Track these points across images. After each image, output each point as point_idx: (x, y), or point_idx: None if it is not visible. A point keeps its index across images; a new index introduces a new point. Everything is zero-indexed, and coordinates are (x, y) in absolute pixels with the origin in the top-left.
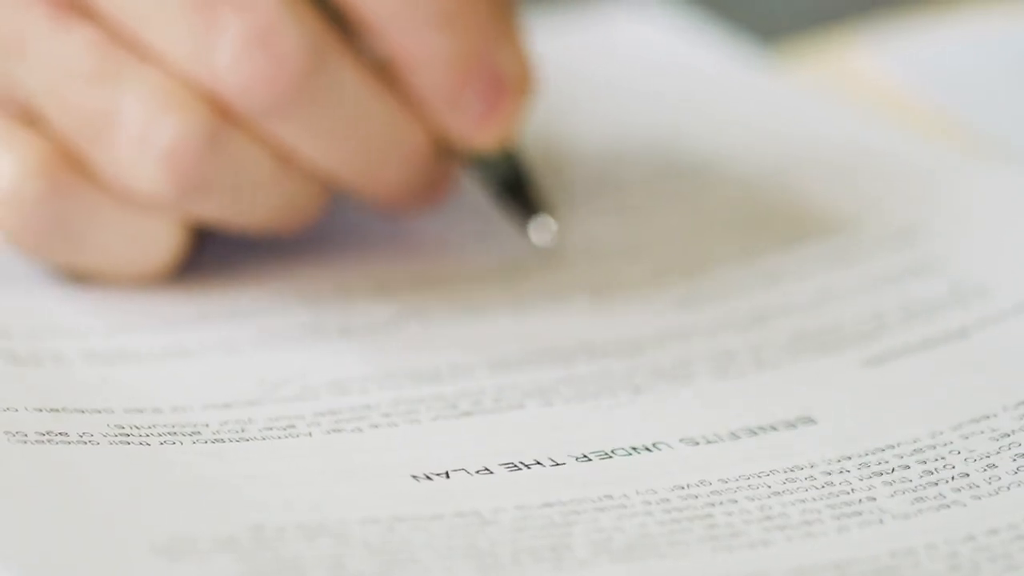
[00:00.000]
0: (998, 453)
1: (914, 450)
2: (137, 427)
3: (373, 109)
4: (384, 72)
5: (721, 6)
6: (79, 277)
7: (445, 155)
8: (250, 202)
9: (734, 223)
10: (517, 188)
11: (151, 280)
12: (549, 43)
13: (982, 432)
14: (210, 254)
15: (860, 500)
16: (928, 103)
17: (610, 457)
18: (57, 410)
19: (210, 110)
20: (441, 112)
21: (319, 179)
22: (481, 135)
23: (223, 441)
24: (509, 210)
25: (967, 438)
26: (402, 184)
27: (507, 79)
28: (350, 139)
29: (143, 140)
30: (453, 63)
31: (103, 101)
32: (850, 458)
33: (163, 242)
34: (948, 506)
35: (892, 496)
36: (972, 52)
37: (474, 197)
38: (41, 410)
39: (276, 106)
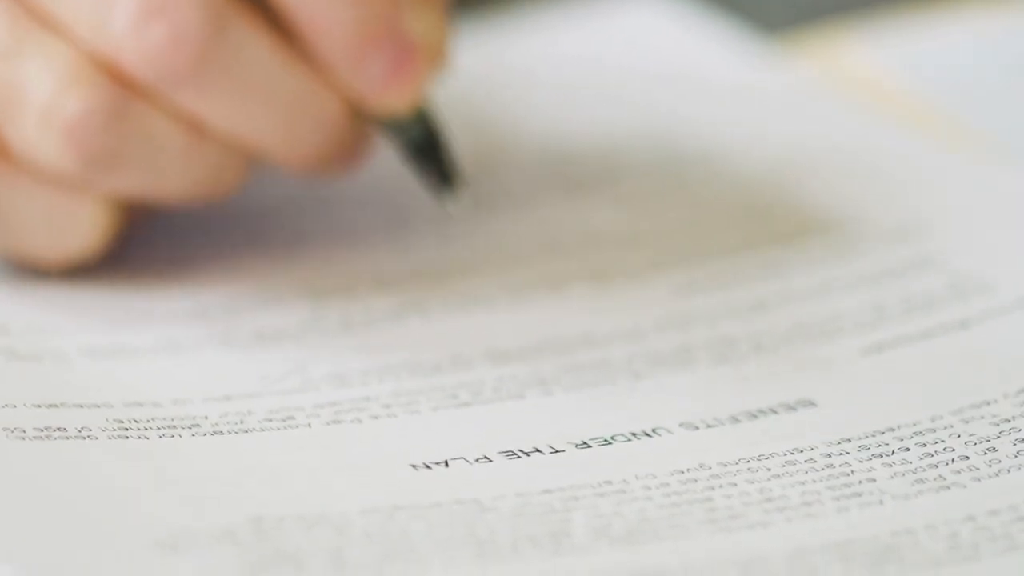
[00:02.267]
0: (998, 438)
1: (914, 433)
2: (136, 421)
3: (282, 76)
4: (294, 37)
5: (724, 0)
6: (14, 262)
7: (359, 119)
8: (164, 174)
9: (735, 215)
10: (430, 152)
11: (82, 263)
12: (551, 34)
13: (982, 417)
14: (208, 247)
15: (860, 482)
16: (927, 100)
17: (609, 443)
18: (56, 405)
19: (114, 82)
20: (346, 76)
21: (233, 148)
22: (388, 98)
23: (222, 433)
24: (421, 175)
25: (967, 422)
26: (317, 149)
27: (415, 43)
28: (260, 107)
29: (47, 114)
30: (355, 28)
31: (11, 75)
32: (850, 440)
33: (86, 222)
34: (948, 487)
35: (892, 478)
36: (971, 50)
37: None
38: (40, 406)
39: (177, 76)
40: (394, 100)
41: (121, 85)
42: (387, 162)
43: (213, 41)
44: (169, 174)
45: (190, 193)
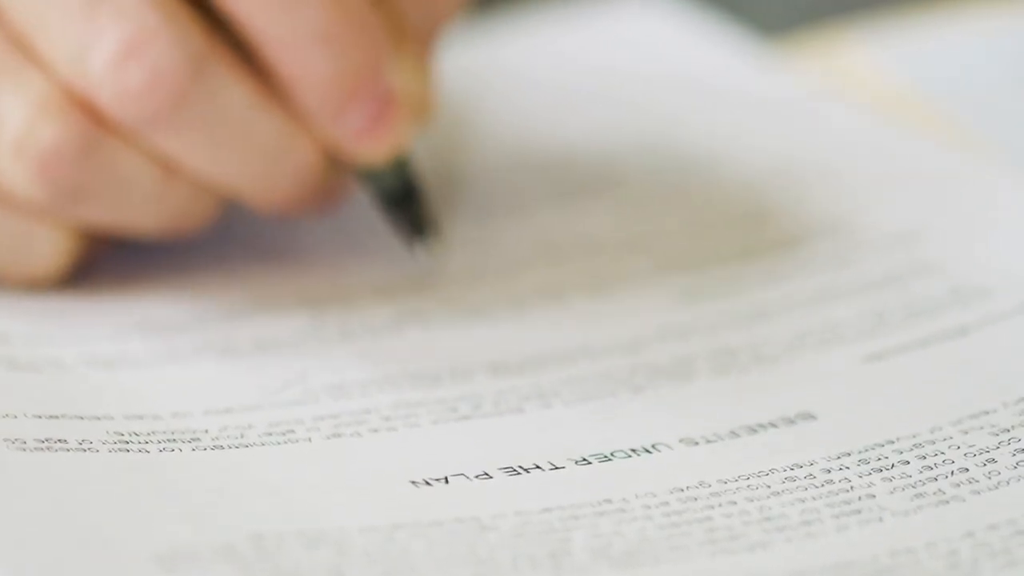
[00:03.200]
0: (997, 448)
1: (913, 445)
2: (136, 434)
3: (259, 122)
4: (274, 83)
5: (722, 1)
6: None
7: (336, 165)
8: (133, 209)
9: (734, 221)
10: (405, 203)
11: (46, 284)
12: (551, 37)
13: (981, 428)
14: (206, 255)
15: (859, 498)
16: (927, 102)
17: (609, 459)
18: (56, 417)
19: (88, 117)
20: (325, 126)
21: (204, 187)
22: (365, 150)
23: (222, 448)
24: (395, 225)
25: (966, 433)
26: (290, 193)
27: (396, 97)
28: (235, 151)
29: (20, 143)
30: (336, 80)
31: None
32: (849, 454)
33: (52, 247)
34: (947, 502)
35: (891, 493)
36: (972, 51)
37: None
38: (40, 417)
39: (152, 118)
40: (372, 152)
41: (95, 120)
42: None
43: (190, 85)
44: (138, 209)
45: (159, 228)
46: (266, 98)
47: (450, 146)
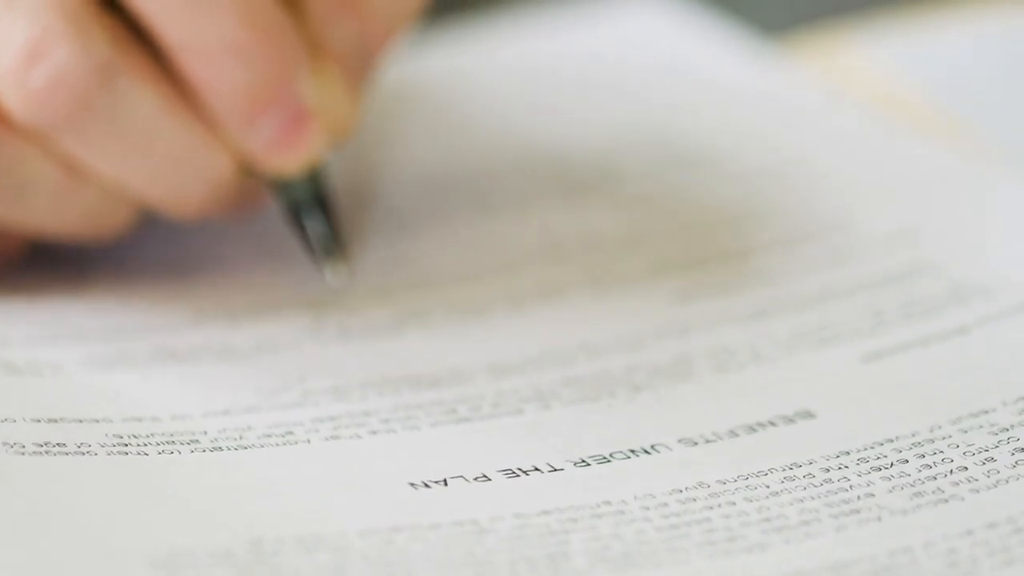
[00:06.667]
0: (996, 447)
1: (912, 444)
2: (135, 436)
3: (169, 129)
4: (188, 91)
5: (723, 1)
6: None
7: (250, 174)
8: (38, 210)
9: (733, 220)
10: (313, 218)
11: None
12: (551, 35)
13: (980, 427)
14: (205, 256)
15: (858, 497)
16: (926, 101)
17: (608, 461)
18: (55, 420)
19: None
20: (236, 135)
21: (114, 193)
22: (277, 161)
23: (221, 449)
24: (302, 238)
25: (966, 432)
26: (202, 201)
27: (308, 109)
28: (143, 158)
29: None
30: (247, 89)
31: None
32: (848, 453)
33: None
34: (946, 500)
35: (890, 492)
36: (971, 50)
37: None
38: (39, 420)
39: (55, 121)
40: (283, 163)
41: (1, 120)
42: (385, 167)
43: (94, 90)
44: (43, 211)
45: (69, 231)
46: (178, 106)
47: (449, 145)
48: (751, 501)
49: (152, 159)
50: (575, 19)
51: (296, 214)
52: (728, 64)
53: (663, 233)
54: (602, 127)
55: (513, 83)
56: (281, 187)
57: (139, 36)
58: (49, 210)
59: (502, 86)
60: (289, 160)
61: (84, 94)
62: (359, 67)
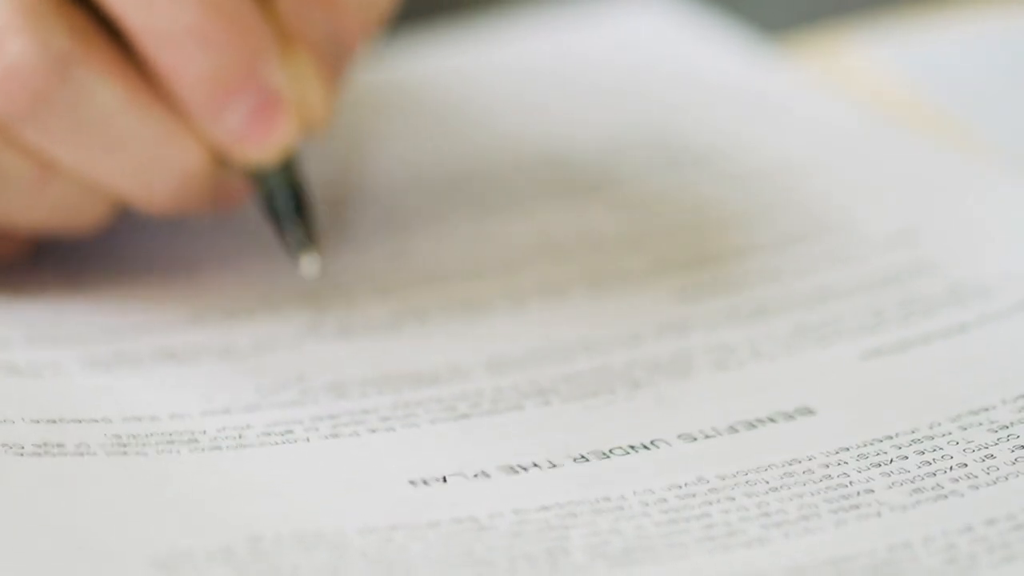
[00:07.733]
0: (996, 444)
1: (912, 440)
2: (134, 436)
3: (135, 120)
4: (156, 82)
5: (723, 1)
6: None
7: (224, 167)
8: (12, 203)
9: (733, 218)
10: (288, 209)
11: None
12: (551, 35)
13: (980, 424)
14: (204, 254)
15: (858, 493)
16: (926, 101)
17: (608, 457)
18: (54, 420)
19: None
20: (205, 124)
21: (87, 187)
22: (247, 149)
23: (220, 448)
24: (276, 230)
25: (965, 429)
26: (175, 195)
27: (279, 95)
28: (109, 151)
29: None
30: (213, 75)
31: None
32: (848, 449)
33: None
34: (946, 496)
35: (890, 488)
36: (971, 50)
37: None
38: (38, 421)
39: (12, 114)
40: (254, 152)
41: None
42: (386, 166)
43: (52, 83)
44: (16, 205)
45: (43, 225)
46: (145, 97)
47: (449, 145)
48: (751, 497)
49: (119, 151)
50: (575, 19)
51: (270, 205)
52: (728, 64)
53: (663, 233)
54: (602, 127)
55: (513, 83)
56: (255, 178)
57: (107, 28)
58: (22, 204)
59: (502, 86)
60: (260, 150)
61: (40, 86)
62: (333, 61)
